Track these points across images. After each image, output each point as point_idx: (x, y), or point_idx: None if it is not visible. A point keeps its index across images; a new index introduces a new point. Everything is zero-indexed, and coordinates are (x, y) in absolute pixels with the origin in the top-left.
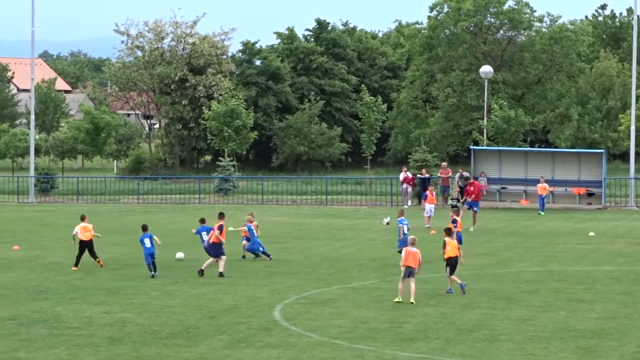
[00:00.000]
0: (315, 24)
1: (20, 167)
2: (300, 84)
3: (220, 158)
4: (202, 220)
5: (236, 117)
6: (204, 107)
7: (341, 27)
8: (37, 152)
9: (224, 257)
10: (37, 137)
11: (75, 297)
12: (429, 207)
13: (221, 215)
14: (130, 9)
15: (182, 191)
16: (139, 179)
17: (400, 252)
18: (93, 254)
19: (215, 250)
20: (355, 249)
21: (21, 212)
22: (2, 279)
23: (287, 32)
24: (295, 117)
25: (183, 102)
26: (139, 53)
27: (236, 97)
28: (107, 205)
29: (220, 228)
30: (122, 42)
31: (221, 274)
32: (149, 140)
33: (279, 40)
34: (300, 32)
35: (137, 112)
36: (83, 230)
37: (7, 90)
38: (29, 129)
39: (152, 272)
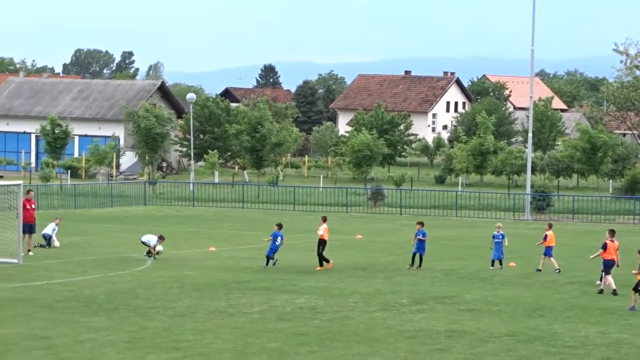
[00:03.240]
0: None
1: (516, 184)
2: None
3: None
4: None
5: None
6: None
7: None
8: (533, 169)
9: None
10: (533, 155)
11: (571, 316)
12: None
13: (612, 233)
14: (632, 28)
15: None
16: (634, 199)
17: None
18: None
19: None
20: None
21: (517, 229)
22: (501, 295)
23: None
24: None
25: None
26: (638, 73)
27: None
28: (601, 225)
29: (604, 247)
30: (621, 61)
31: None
32: None
33: None
34: None
35: (634, 132)
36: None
37: (504, 108)
38: (525, 147)
39: (272, 261)
